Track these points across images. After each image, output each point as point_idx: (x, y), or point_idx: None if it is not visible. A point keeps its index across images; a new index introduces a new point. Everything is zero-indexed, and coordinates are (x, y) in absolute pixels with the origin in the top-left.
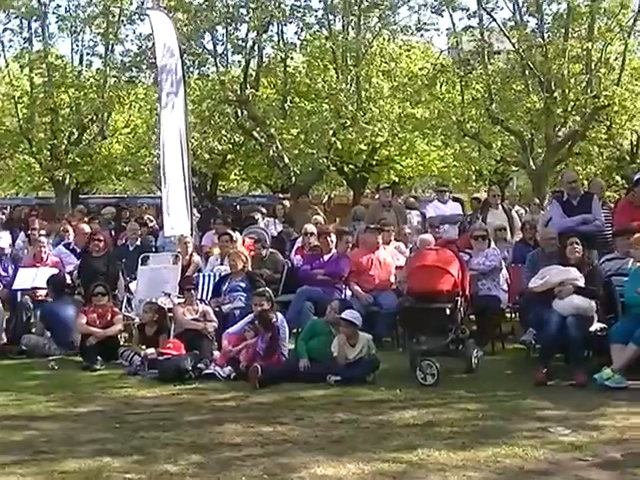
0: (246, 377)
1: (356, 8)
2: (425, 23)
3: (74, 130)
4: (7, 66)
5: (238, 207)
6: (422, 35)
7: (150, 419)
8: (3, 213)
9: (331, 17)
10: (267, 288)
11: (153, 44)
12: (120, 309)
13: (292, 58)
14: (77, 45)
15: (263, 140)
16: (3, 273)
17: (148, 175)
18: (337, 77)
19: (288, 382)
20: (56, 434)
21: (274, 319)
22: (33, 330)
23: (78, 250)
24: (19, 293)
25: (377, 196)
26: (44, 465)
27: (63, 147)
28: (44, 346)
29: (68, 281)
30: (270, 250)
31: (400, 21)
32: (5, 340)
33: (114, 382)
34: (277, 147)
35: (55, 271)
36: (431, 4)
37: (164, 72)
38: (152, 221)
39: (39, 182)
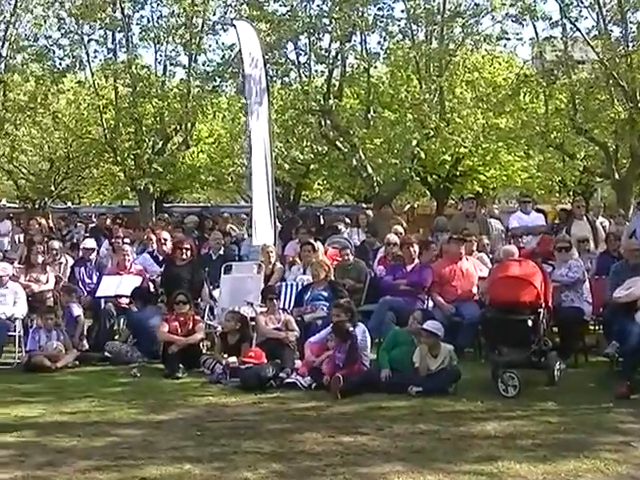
0: (327, 387)
1: (439, 17)
2: (506, 32)
3: (158, 140)
4: (92, 76)
5: (321, 217)
6: (505, 45)
7: (231, 427)
8: (92, 223)
9: (414, 27)
10: (348, 298)
11: (238, 52)
12: (202, 317)
13: (375, 67)
14: (160, 55)
15: (346, 150)
16: (87, 280)
17: (232, 185)
18: (420, 87)
19: (369, 392)
20: (137, 440)
21: (351, 329)
22: (116, 337)
23: (161, 258)
24: (102, 300)
25: (459, 207)
26: (125, 471)
27: (147, 156)
28: (127, 353)
29: (151, 289)
30: (355, 259)
31: (483, 31)
32: (87, 347)
33: (195, 390)
34: (360, 157)
35: (139, 279)
36: (513, 14)
37: (250, 81)
38: (235, 230)
39: (123, 191)
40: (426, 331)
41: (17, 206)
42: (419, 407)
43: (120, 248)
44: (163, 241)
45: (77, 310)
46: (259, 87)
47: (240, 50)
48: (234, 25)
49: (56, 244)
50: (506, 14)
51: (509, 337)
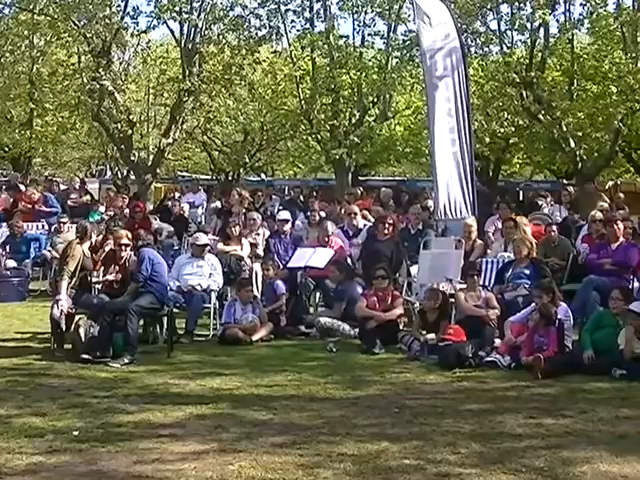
0: (528, 367)
1: None
2: None
3: (355, 111)
4: (289, 47)
5: (521, 192)
6: None
7: (429, 405)
8: (285, 195)
9: None
10: (551, 278)
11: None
12: (401, 293)
13: (578, 39)
14: (359, 25)
15: (548, 123)
16: (282, 253)
17: (429, 157)
18: (625, 58)
19: (571, 374)
20: (334, 416)
21: (555, 314)
22: (311, 311)
23: (350, 232)
24: (299, 274)
25: None
26: (322, 446)
27: (344, 128)
28: (339, 327)
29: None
30: (560, 236)
31: None
32: (284, 322)
33: (393, 367)
34: (562, 130)
35: (330, 252)
36: None
37: (431, 55)
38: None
39: (318, 163)
40: (633, 312)
41: (210, 178)
42: (623, 391)
43: (321, 225)
44: (353, 215)
45: (282, 287)
46: (449, 60)
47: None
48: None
49: (255, 215)
50: None
51: None
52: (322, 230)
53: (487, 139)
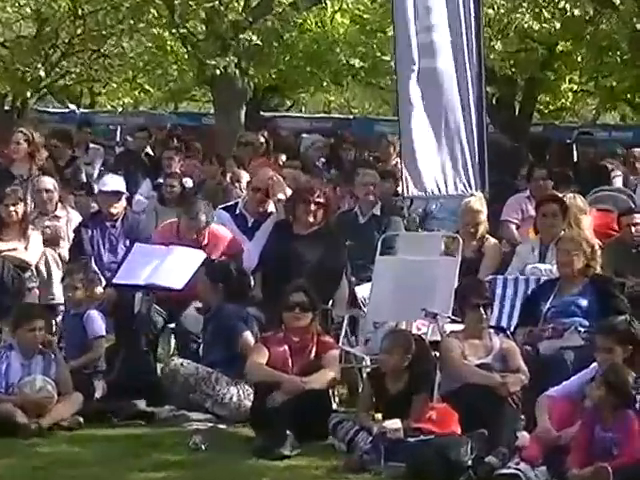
0: None
1: None
2: None
3: None
4: None
5: (575, 146)
6: None
7: None
8: (116, 144)
9: None
10: (628, 315)
11: None
12: (337, 338)
13: None
14: None
15: (628, 14)
16: (107, 255)
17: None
18: None
19: None
20: None
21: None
22: (160, 369)
23: (250, 219)
24: (138, 296)
25: None
26: None
27: (232, 15)
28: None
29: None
30: None
31: None
32: (106, 390)
33: None
34: None
35: (201, 256)
36: None
37: None
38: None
39: (182, 85)
40: None
41: None
42: None
43: (187, 207)
44: (259, 195)
45: (99, 324)
46: None
47: None
48: None
49: (49, 183)
50: None
51: None
52: (189, 220)
53: (511, 45)
